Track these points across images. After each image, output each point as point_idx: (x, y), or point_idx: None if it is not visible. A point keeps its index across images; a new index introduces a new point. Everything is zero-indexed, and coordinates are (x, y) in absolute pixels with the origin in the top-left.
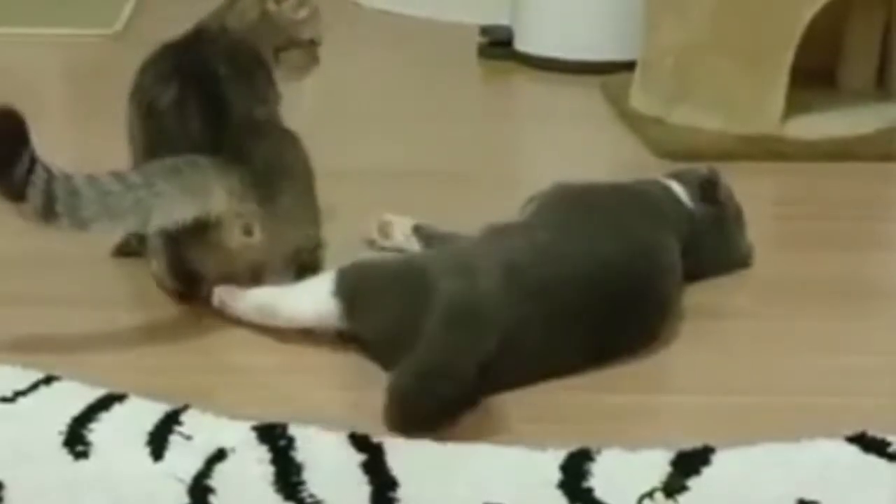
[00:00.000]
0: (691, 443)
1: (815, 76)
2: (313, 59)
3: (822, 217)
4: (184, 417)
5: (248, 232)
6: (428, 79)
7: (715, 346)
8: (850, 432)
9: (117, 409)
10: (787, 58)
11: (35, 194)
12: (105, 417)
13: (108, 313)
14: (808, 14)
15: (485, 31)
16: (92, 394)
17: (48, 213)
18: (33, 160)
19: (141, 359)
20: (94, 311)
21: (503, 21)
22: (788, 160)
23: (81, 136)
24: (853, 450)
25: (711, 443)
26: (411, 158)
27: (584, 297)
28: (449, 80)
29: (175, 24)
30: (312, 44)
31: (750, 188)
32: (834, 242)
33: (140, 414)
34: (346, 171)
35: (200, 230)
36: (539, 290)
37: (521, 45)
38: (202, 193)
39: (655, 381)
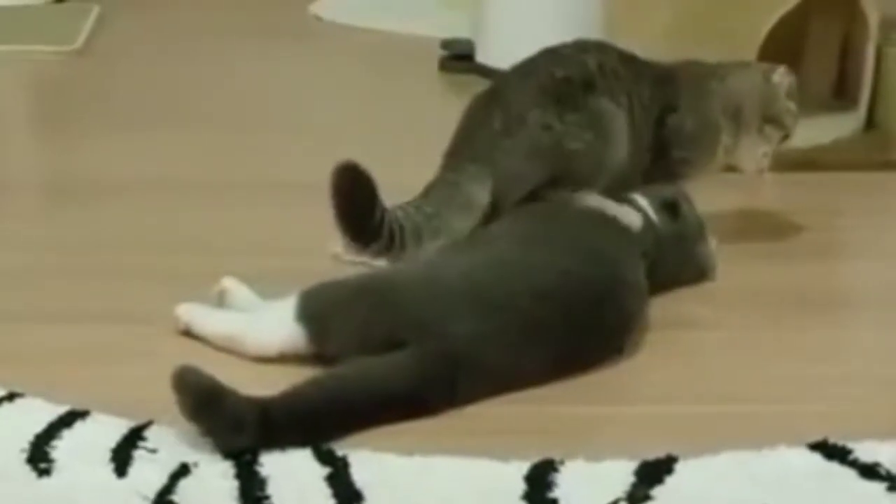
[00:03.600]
0: (655, 453)
1: None
2: (771, 148)
3: (783, 227)
4: (147, 433)
5: None
6: (388, 92)
7: (677, 357)
8: (812, 440)
9: (80, 425)
10: None
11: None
12: (68, 434)
13: (69, 328)
14: (765, 26)
15: (446, 44)
16: (55, 410)
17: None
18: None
19: (104, 374)
20: (55, 327)
21: (465, 34)
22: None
23: (44, 152)
24: (815, 457)
25: (675, 452)
26: (372, 172)
27: (545, 311)
28: (409, 93)
29: (134, 41)
30: (784, 138)
31: (711, 199)
32: (795, 252)
33: (103, 430)
34: (306, 184)
35: None
36: (500, 305)
37: (483, 58)
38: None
39: (618, 392)
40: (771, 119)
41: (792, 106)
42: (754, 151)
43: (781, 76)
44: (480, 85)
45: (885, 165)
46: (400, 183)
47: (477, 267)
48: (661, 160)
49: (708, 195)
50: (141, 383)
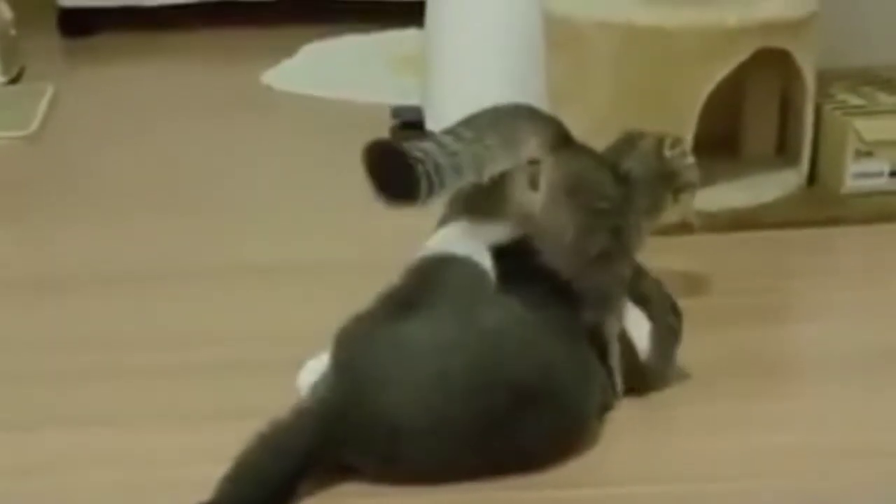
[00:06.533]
0: None
1: (716, 146)
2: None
3: (727, 290)
4: None
5: (533, 183)
6: (341, 161)
7: (628, 435)
8: None
9: None
10: (688, 136)
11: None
12: None
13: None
14: (703, 92)
15: (395, 112)
16: None
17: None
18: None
19: (80, 481)
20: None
21: (417, 100)
22: (692, 233)
23: None
24: None
25: None
26: (329, 243)
27: (490, 437)
28: (360, 163)
29: (90, 122)
30: (693, 188)
31: (653, 262)
32: (740, 317)
33: None
34: (271, 266)
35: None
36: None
37: (432, 125)
38: (518, 144)
39: (568, 475)
40: (681, 189)
41: (688, 161)
42: (678, 214)
43: (671, 147)
44: None
45: (828, 221)
46: (358, 253)
47: (427, 383)
48: None
49: (650, 258)
50: (115, 488)
